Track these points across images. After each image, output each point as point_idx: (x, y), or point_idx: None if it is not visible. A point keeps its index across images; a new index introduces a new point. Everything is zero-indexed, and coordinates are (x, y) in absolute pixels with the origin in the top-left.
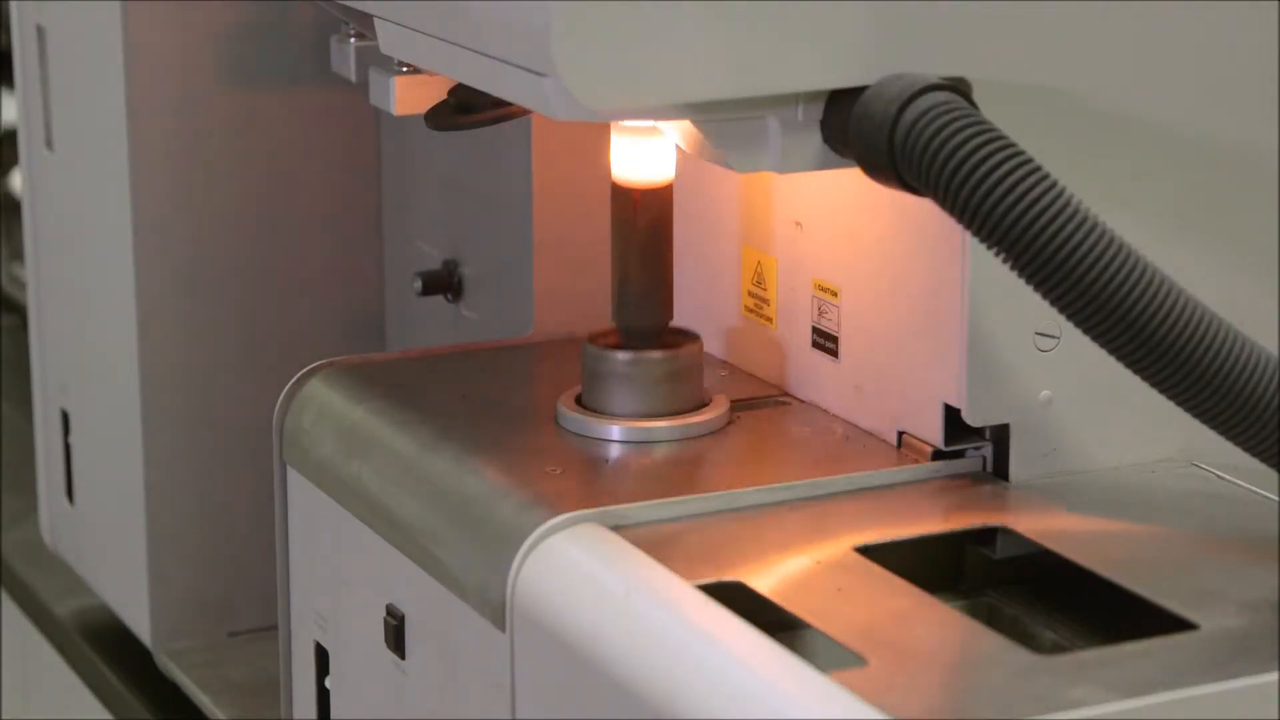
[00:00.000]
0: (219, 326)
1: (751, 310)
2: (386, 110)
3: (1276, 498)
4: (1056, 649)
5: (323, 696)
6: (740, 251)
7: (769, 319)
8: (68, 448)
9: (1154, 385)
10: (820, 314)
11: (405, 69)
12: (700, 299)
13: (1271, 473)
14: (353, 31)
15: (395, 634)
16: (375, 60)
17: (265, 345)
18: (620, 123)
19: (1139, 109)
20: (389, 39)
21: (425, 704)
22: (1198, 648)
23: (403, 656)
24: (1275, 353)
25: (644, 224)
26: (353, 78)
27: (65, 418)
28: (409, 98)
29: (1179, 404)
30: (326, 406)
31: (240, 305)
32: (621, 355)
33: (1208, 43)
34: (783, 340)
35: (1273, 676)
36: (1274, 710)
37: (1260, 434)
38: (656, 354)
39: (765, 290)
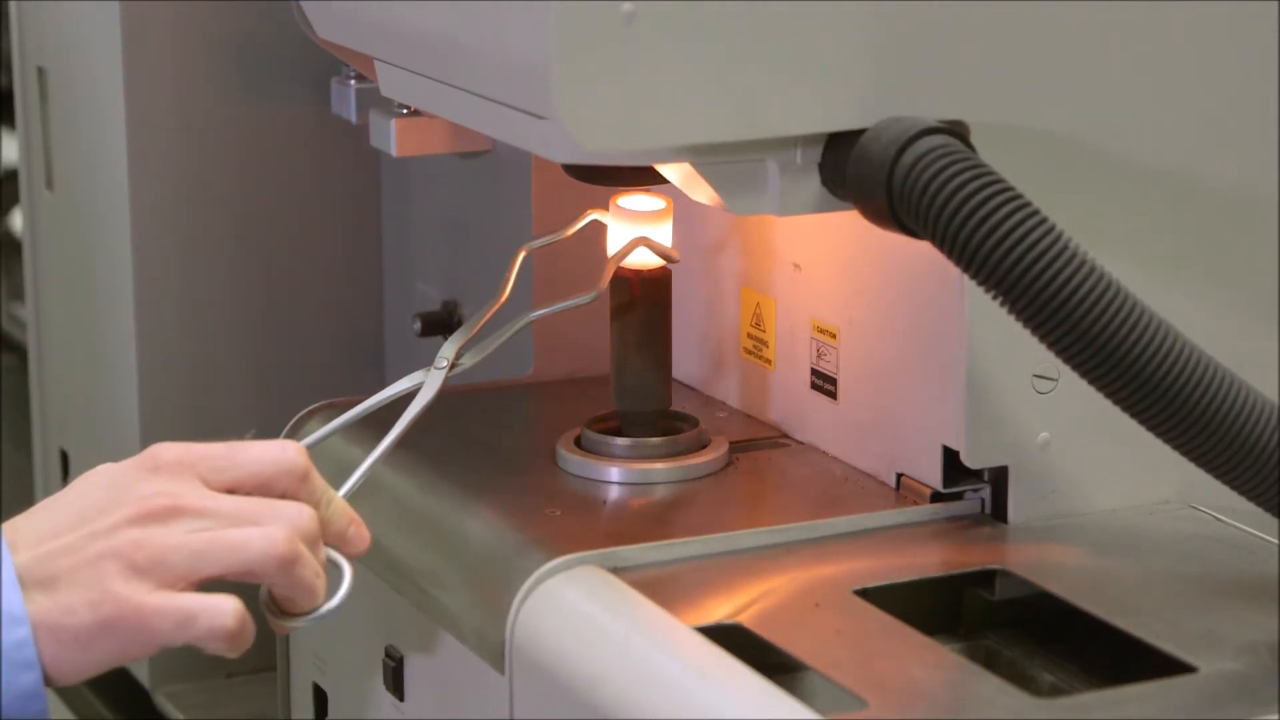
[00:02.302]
0: (219, 367)
1: (750, 351)
2: (386, 152)
3: (1275, 540)
4: (1055, 692)
5: None
6: (739, 293)
7: (768, 360)
8: None
9: (1151, 429)
10: (819, 356)
11: (405, 111)
12: (699, 340)
13: (1269, 515)
14: (353, 74)
15: (394, 676)
16: (375, 102)
17: (265, 386)
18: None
19: (1137, 153)
20: (389, 81)
21: None
22: (1196, 691)
23: (401, 698)
24: (1273, 398)
25: (643, 309)
26: (353, 119)
27: (65, 457)
28: (409, 140)
29: (1176, 448)
30: (324, 447)
31: (240, 346)
32: (620, 441)
33: (1206, 86)
34: (781, 382)
35: (1272, 719)
36: None
37: (1256, 478)
38: (655, 440)
39: (764, 332)
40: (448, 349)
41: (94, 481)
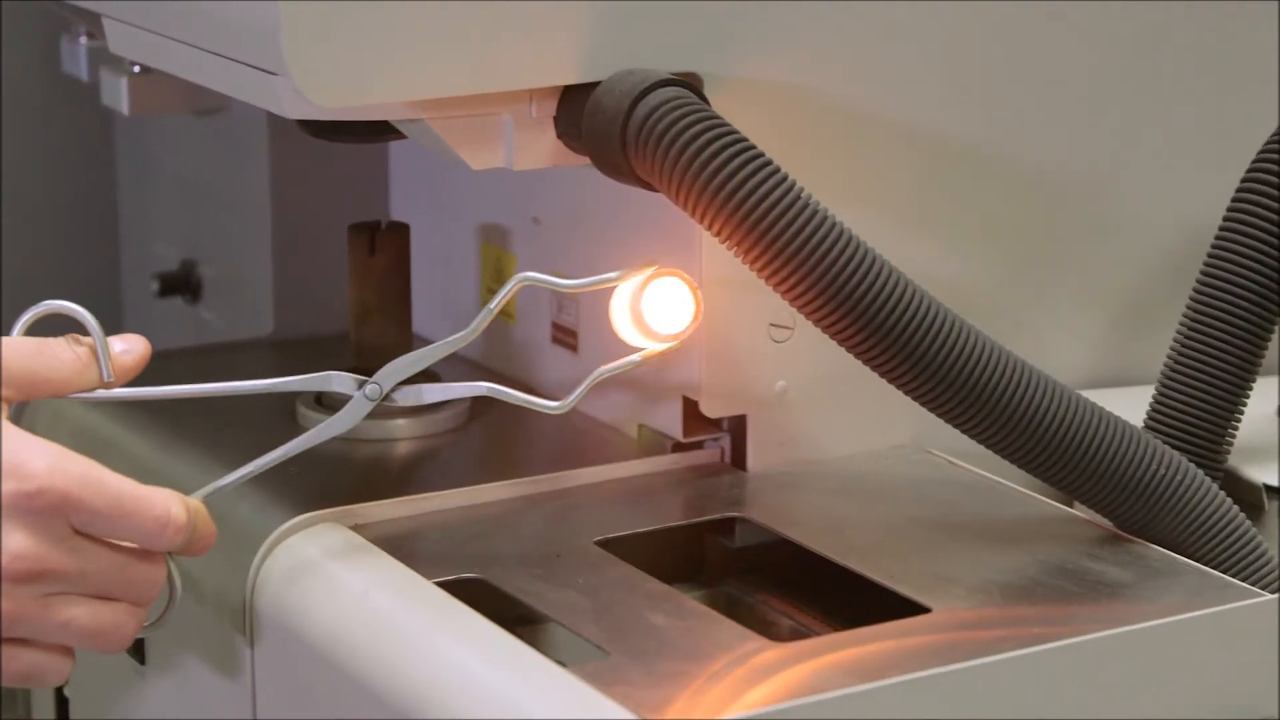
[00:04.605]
0: None
1: None
2: (119, 110)
3: (1006, 483)
4: (795, 635)
5: (61, 703)
6: (479, 247)
7: (509, 315)
8: None
9: (884, 375)
10: (559, 309)
11: (137, 68)
12: (439, 296)
13: (1000, 458)
14: (83, 32)
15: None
16: (107, 60)
17: None
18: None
19: (870, 104)
20: (118, 38)
21: (166, 709)
22: (931, 631)
23: (142, 662)
24: (999, 344)
25: (381, 265)
26: (84, 78)
27: None
28: (141, 98)
29: (908, 393)
30: (61, 410)
31: None
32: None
33: (940, 38)
34: (523, 335)
35: (1002, 657)
36: (1003, 689)
37: (985, 422)
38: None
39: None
40: (386, 379)
41: None
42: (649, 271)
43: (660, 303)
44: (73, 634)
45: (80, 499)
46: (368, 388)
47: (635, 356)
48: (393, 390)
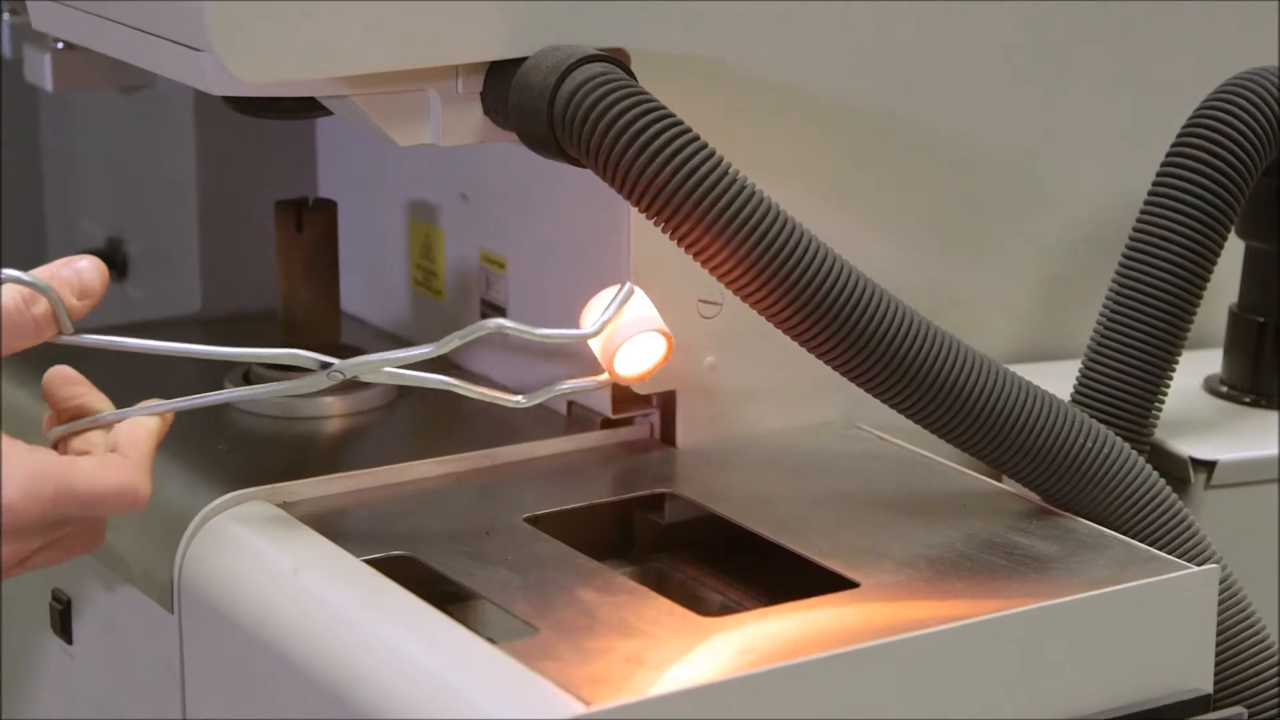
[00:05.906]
0: None
1: (420, 283)
2: (42, 87)
3: (935, 457)
4: (724, 611)
5: None
6: (407, 224)
7: (438, 291)
8: None
9: (812, 350)
10: (489, 285)
11: (61, 45)
12: (368, 272)
13: (929, 433)
14: (6, 8)
15: (62, 619)
16: (30, 37)
17: None
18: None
19: (797, 79)
20: (41, 15)
21: (94, 688)
22: (860, 605)
23: (70, 641)
24: (927, 319)
25: (309, 242)
26: (7, 54)
27: None
28: (65, 74)
29: (837, 369)
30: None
31: None
32: (288, 375)
33: (865, 14)
34: (452, 312)
35: (929, 631)
36: (931, 663)
37: (914, 395)
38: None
39: (433, 263)
40: (348, 369)
41: None
42: (630, 333)
43: (633, 355)
44: (52, 565)
45: (55, 514)
46: (330, 372)
47: (604, 376)
48: (354, 376)
